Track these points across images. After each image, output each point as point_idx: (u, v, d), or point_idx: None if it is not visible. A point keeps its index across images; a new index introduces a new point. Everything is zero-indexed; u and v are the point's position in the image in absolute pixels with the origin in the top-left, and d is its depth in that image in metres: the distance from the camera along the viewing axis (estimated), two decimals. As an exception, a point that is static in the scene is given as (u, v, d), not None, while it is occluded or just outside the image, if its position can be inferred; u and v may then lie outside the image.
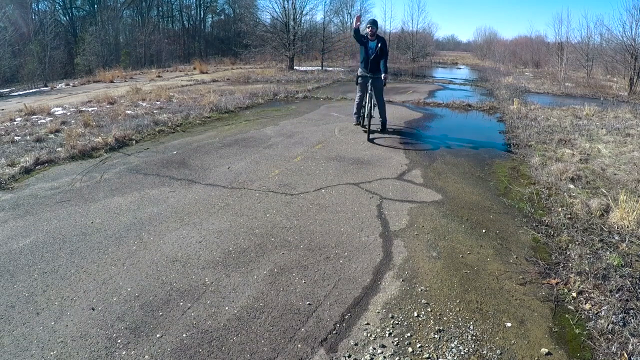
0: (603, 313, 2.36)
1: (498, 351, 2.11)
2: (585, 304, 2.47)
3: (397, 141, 6.24)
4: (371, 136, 6.20)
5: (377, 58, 6.23)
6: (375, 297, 2.50)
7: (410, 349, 2.10)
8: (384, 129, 6.70)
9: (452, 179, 4.62)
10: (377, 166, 4.95)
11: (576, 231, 3.29)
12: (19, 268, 2.69)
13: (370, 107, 6.36)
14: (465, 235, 3.32)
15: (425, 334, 2.20)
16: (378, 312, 2.37)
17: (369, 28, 6.20)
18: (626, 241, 3.13)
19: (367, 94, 6.47)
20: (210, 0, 38.31)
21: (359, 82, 6.60)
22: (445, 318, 2.33)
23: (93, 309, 2.32)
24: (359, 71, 6.63)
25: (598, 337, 2.20)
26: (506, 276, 2.76)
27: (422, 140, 6.46)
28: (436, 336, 2.19)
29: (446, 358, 2.05)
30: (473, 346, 2.13)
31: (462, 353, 2.09)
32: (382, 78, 6.12)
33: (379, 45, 6.17)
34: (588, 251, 2.98)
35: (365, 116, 6.49)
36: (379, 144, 6.01)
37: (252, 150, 5.48)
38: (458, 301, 2.48)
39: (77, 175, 4.44)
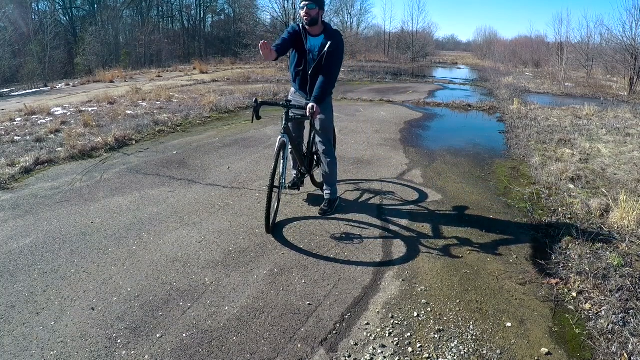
0: (603, 313, 2.36)
1: (498, 351, 2.11)
2: (585, 303, 2.47)
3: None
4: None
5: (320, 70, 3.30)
6: (375, 297, 2.50)
7: (410, 349, 2.10)
8: (329, 209, 3.59)
9: (452, 179, 4.62)
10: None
11: (576, 231, 3.29)
12: (19, 268, 2.69)
13: (305, 162, 3.63)
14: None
15: (425, 334, 2.20)
16: (378, 312, 2.37)
17: (303, 10, 3.15)
18: (626, 241, 3.12)
19: (299, 140, 3.65)
20: (210, 0, 38.36)
21: (287, 115, 3.24)
22: (445, 318, 2.33)
23: (93, 309, 2.32)
24: (291, 92, 3.68)
25: (598, 337, 2.20)
26: (506, 276, 2.76)
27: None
28: (436, 336, 2.19)
29: (446, 358, 2.05)
30: (473, 346, 2.13)
31: (462, 353, 2.09)
32: (310, 109, 3.14)
33: (328, 46, 3.21)
34: (588, 251, 2.98)
35: (281, 182, 3.18)
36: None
37: (252, 150, 5.48)
38: (458, 301, 2.48)
39: (77, 175, 4.44)
